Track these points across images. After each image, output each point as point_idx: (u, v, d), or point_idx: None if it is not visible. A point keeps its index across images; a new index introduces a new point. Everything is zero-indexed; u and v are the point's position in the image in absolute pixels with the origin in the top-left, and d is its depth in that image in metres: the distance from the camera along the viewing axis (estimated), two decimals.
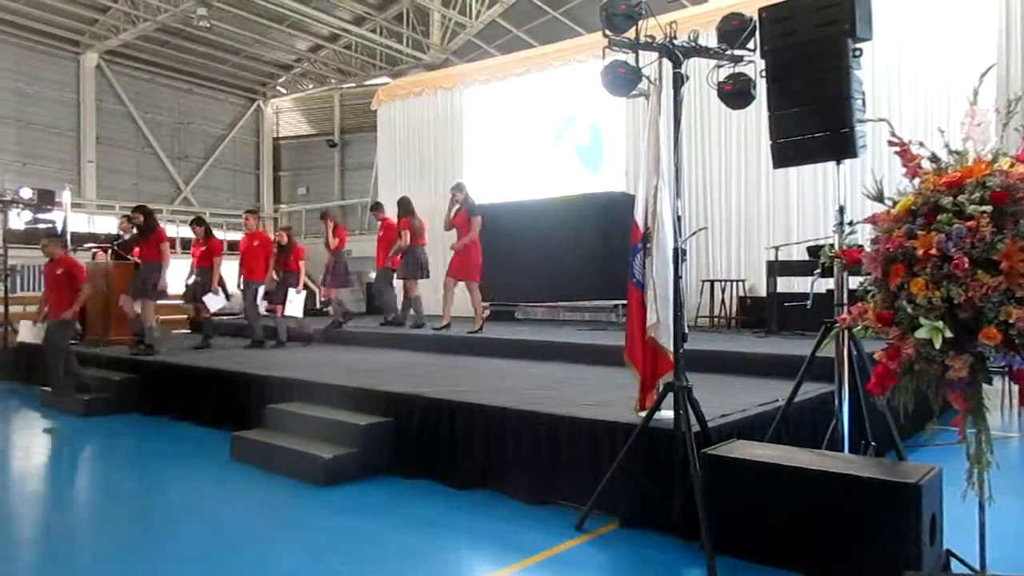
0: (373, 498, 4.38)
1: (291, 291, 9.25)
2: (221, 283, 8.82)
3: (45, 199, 10.54)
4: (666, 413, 3.67)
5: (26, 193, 10.24)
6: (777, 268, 8.49)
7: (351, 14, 16.79)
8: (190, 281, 9.17)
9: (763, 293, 9.24)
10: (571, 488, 4.05)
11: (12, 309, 9.79)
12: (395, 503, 4.30)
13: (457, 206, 9.14)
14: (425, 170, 14.29)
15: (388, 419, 4.97)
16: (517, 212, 11.56)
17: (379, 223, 10.54)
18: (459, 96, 13.85)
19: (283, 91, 21.19)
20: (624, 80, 3.78)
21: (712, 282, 9.98)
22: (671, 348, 3.74)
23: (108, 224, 16.21)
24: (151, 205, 17.20)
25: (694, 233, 9.92)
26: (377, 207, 10.76)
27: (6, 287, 10.15)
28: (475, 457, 4.53)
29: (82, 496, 5.08)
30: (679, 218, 3.73)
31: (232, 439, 5.37)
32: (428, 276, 10.09)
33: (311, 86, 20.71)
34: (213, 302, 8.79)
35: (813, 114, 3.80)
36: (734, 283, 9.94)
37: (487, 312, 10.12)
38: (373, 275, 15.20)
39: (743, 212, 10.42)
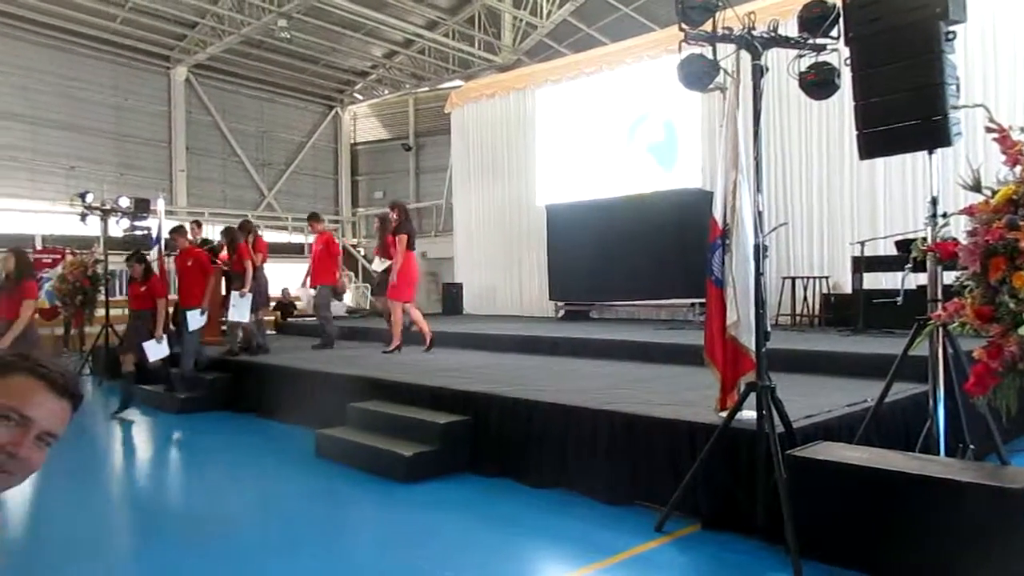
0: (452, 495, 4.44)
1: (234, 294, 8.35)
2: (166, 328, 7.57)
3: (141, 207, 11.09)
4: (748, 413, 3.59)
5: (124, 202, 10.80)
6: (863, 263, 8.16)
7: (424, 19, 17.07)
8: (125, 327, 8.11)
9: (848, 290, 8.90)
10: (651, 489, 4.00)
11: (112, 312, 10.36)
12: (473, 501, 4.35)
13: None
14: (498, 171, 14.40)
15: (466, 418, 5.03)
16: (591, 211, 11.52)
17: (315, 236, 9.56)
18: (531, 97, 13.89)
19: (360, 97, 21.72)
20: (701, 74, 3.71)
21: (794, 279, 9.67)
22: (752, 347, 3.65)
23: (204, 232, 16.94)
24: (236, 211, 18.10)
25: (775, 228, 9.62)
26: (314, 218, 9.78)
27: (107, 290, 10.77)
28: (552, 456, 4.53)
29: (175, 489, 5.34)
30: (759, 213, 3.64)
31: (317, 436, 5.54)
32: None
33: (386, 92, 21.15)
34: (154, 351, 7.43)
35: (903, 102, 3.63)
36: (817, 280, 9.60)
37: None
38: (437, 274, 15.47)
39: (826, 206, 10.06)
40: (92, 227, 11.00)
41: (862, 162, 6.86)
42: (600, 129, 12.69)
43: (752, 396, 3.56)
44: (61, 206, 14.72)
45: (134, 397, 7.53)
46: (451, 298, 14.36)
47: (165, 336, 7.48)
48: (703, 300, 4.22)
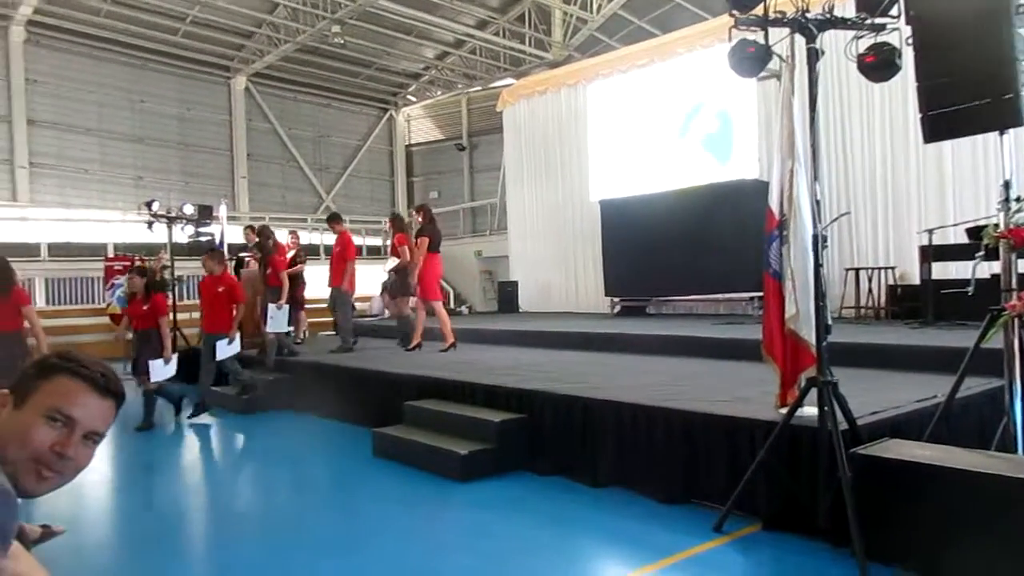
0: (507, 494, 4.43)
1: (271, 306, 8.32)
2: (173, 347, 7.38)
3: (204, 214, 11.45)
4: (809, 410, 3.47)
5: (188, 209, 11.16)
6: (932, 252, 7.82)
7: (474, 19, 17.13)
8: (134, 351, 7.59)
9: (916, 280, 8.55)
10: (709, 488, 3.92)
11: (179, 316, 10.72)
12: (529, 499, 4.33)
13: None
14: (551, 168, 14.36)
15: (522, 416, 5.02)
16: (645, 206, 11.38)
17: (336, 236, 9.27)
18: (582, 92, 13.80)
19: (413, 99, 21.95)
20: (753, 60, 3.59)
21: (858, 270, 9.33)
22: (813, 341, 3.53)
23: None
24: (296, 215, 18.52)
25: (836, 219, 9.31)
26: (334, 219, 9.45)
27: (174, 295, 11.14)
28: (608, 455, 4.48)
29: (239, 486, 5.48)
30: (818, 202, 3.52)
31: (374, 435, 5.61)
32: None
33: (439, 92, 21.32)
34: (161, 371, 7.11)
35: (970, 81, 3.44)
36: (882, 271, 9.25)
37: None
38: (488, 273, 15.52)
39: (890, 193, 9.69)
40: (159, 234, 11.40)
41: (928, 146, 6.58)
42: (653, 122, 12.52)
43: (813, 392, 3.44)
44: (131, 215, 15.30)
45: (182, 399, 7.56)
46: (506, 296, 14.40)
47: (175, 355, 7.24)
48: (761, 294, 4.10)
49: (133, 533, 4.20)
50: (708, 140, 11.91)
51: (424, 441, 5.14)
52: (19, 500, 1.30)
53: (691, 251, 10.37)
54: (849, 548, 3.07)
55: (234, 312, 7.54)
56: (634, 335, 8.09)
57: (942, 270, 7.97)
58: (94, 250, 14.81)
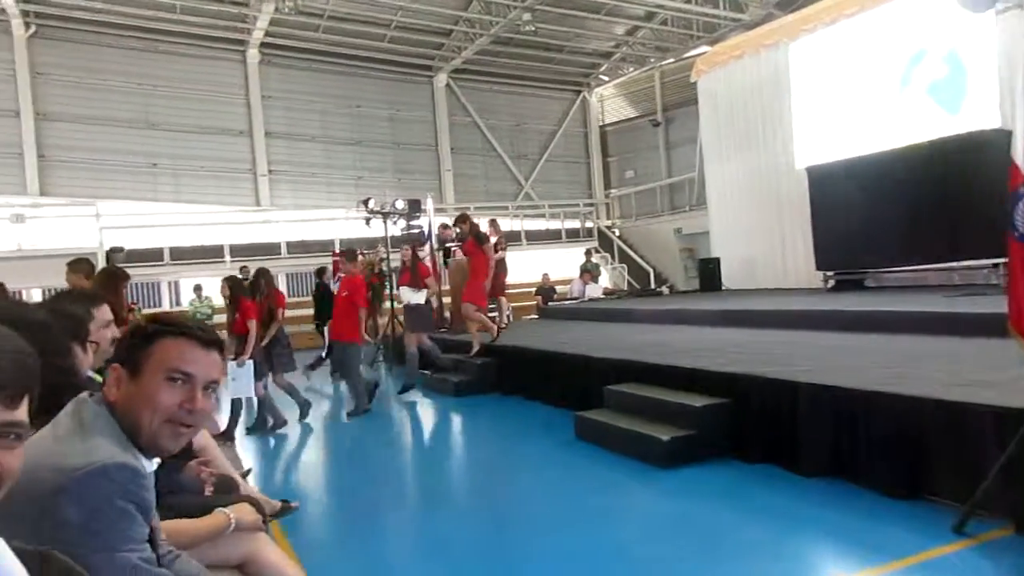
0: (711, 482, 4.28)
1: (231, 364, 6.29)
2: (268, 354, 6.77)
3: (414, 208, 12.27)
4: None
5: (399, 204, 12.02)
6: None
7: None
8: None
9: None
10: (945, 483, 3.51)
11: (397, 304, 11.58)
12: (734, 488, 4.15)
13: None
14: (752, 136, 13.57)
15: (726, 401, 4.81)
16: (860, 168, 10.40)
17: (340, 277, 8.07)
18: (783, 52, 12.85)
19: (605, 78, 21.80)
20: None
21: None
22: None
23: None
24: (497, 203, 19.21)
25: None
26: (348, 256, 7.86)
27: (390, 285, 12.04)
28: (824, 443, 4.15)
29: (449, 465, 5.81)
30: None
31: (576, 418, 5.67)
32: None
33: (631, 69, 20.97)
34: (237, 386, 6.36)
35: None
36: None
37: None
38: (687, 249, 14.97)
39: None
40: (376, 229, 12.38)
41: None
42: (867, 76, 11.35)
43: None
44: (352, 212, 16.76)
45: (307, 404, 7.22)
46: (708, 274, 13.88)
47: (250, 361, 6.43)
48: (1005, 260, 3.58)
49: (355, 507, 4.61)
50: (935, 88, 10.58)
51: (625, 426, 5.11)
52: (157, 461, 1.44)
53: (917, 215, 9.32)
54: None
55: (358, 317, 7.22)
56: (851, 312, 7.43)
57: None
58: (323, 246, 16.45)
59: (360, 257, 12.68)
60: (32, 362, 0.91)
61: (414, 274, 8.24)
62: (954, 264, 9.51)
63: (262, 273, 7.33)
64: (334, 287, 10.47)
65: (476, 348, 8.46)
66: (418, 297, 8.16)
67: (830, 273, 11.31)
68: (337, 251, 15.46)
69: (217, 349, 1.47)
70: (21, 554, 0.84)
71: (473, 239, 8.63)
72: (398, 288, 8.46)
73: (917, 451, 3.64)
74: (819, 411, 4.21)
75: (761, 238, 13.27)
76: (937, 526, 3.25)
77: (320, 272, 11.93)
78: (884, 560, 3.02)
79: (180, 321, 1.49)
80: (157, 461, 1.46)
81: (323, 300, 11.07)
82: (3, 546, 0.77)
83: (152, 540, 1.39)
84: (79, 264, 5.65)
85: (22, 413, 0.90)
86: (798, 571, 3.19)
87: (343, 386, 8.09)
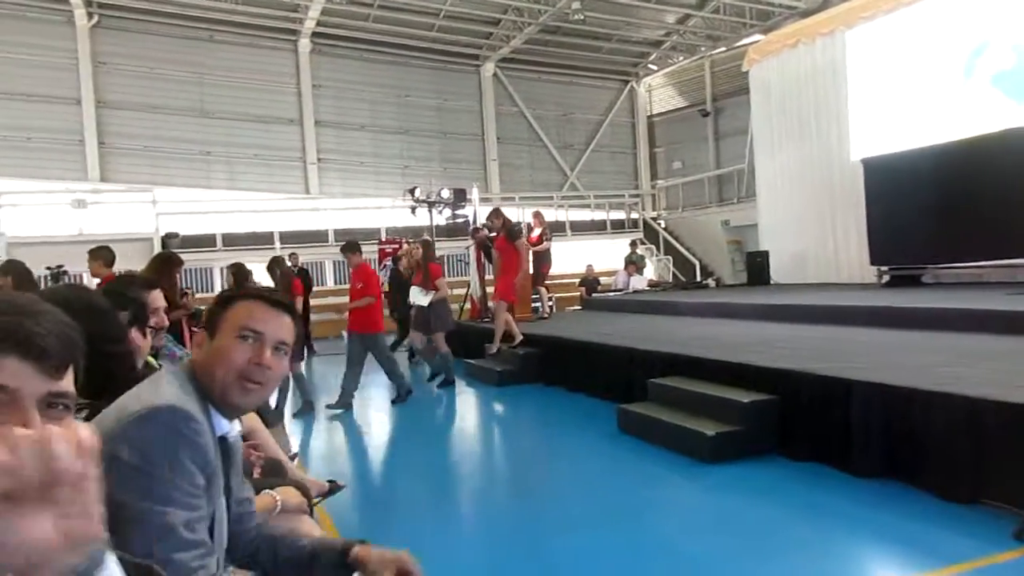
0: (757, 479, 4.21)
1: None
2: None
3: (459, 197, 12.32)
4: None
5: (445, 193, 12.08)
6: None
7: None
8: None
9: None
10: (1004, 488, 3.38)
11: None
12: (781, 486, 4.08)
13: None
14: (805, 127, 13.25)
15: (773, 397, 4.73)
16: (919, 161, 10.08)
17: (353, 269, 7.59)
18: (840, 40, 12.50)
19: (654, 68, 21.48)
20: None
21: None
22: None
23: (512, 214, 18.27)
24: (542, 194, 19.17)
25: None
26: (351, 248, 7.50)
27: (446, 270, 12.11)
28: (875, 442, 4.05)
29: (494, 456, 5.84)
30: None
31: (619, 411, 5.64)
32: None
33: (681, 58, 20.63)
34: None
35: None
36: None
37: None
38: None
39: None
40: (422, 218, 12.47)
41: None
42: (927, 66, 10.97)
43: None
44: (398, 201, 16.91)
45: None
46: (756, 267, 13.64)
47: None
48: None
49: (397, 494, 4.66)
50: (1000, 79, 10.18)
51: (669, 420, 5.06)
52: (238, 426, 1.54)
53: (978, 209, 9.00)
54: None
55: (374, 306, 7.18)
56: (907, 308, 7.21)
57: None
58: (369, 235, 16.64)
59: (406, 246, 12.83)
60: (76, 336, 0.94)
61: (425, 274, 8.03)
62: (1016, 261, 9.17)
63: (277, 262, 7.56)
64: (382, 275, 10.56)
65: (519, 338, 8.45)
66: (426, 299, 7.90)
67: (885, 268, 11.01)
68: (382, 239, 15.70)
69: (287, 312, 1.55)
70: (126, 566, 0.87)
71: (505, 234, 8.53)
72: (412, 286, 8.21)
73: (976, 454, 3.53)
74: (873, 410, 4.10)
75: (812, 231, 12.97)
76: (996, 532, 3.14)
77: (396, 260, 12.01)
78: (939, 565, 2.94)
79: (255, 287, 1.67)
80: (238, 426, 1.54)
81: (399, 287, 11.15)
82: (112, 560, 0.80)
83: (228, 492, 1.47)
84: (98, 252, 5.99)
85: (68, 384, 0.93)
86: (849, 571, 3.12)
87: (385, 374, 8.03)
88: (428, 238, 9.38)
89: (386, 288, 13.02)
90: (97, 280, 6.25)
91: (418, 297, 7.99)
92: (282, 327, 1.52)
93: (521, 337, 8.48)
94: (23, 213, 14.40)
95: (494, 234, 9.18)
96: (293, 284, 7.65)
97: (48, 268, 9.08)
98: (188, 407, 1.34)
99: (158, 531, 1.22)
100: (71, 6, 15.07)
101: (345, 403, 7.20)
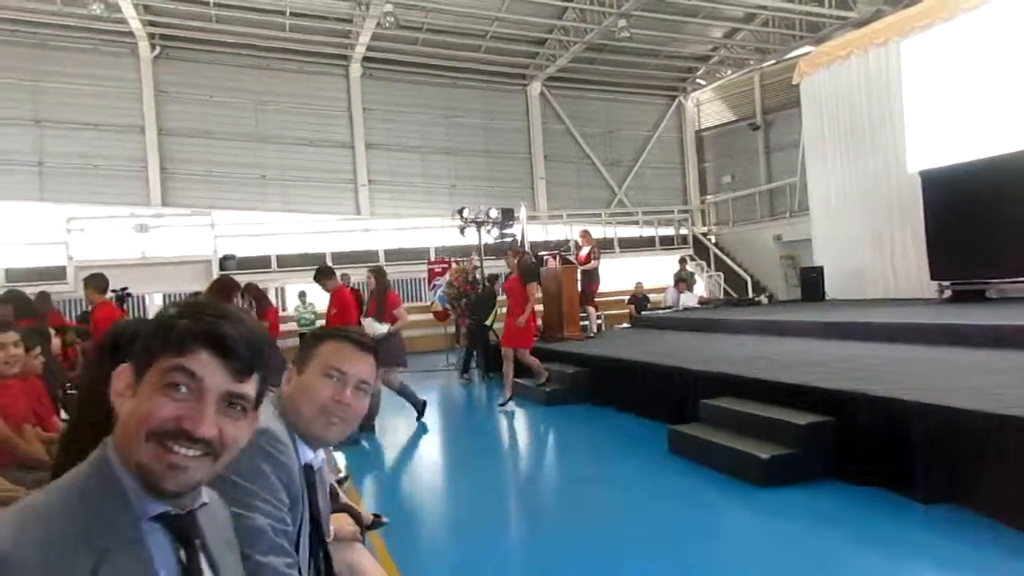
0: (815, 504, 4.10)
1: None
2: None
3: (507, 216, 12.38)
4: None
5: (493, 213, 12.16)
6: None
7: None
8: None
9: None
10: None
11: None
12: (841, 512, 3.96)
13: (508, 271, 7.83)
14: (858, 140, 12.96)
15: (830, 419, 4.61)
16: (981, 172, 9.78)
17: (329, 294, 7.26)
18: (894, 50, 12.21)
19: (702, 83, 21.32)
20: None
21: None
22: None
23: (559, 232, 18.33)
24: (590, 211, 19.14)
25: None
26: (324, 274, 7.30)
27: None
28: (940, 467, 3.91)
29: (542, 479, 5.79)
30: None
31: (670, 432, 5.56)
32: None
33: (729, 72, 20.43)
34: None
35: None
36: None
37: None
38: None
39: None
40: (470, 237, 12.56)
41: None
42: (987, 75, 10.63)
43: None
44: (447, 221, 17.08)
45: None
46: (810, 283, 13.34)
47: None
48: None
49: (448, 516, 4.67)
50: None
51: (721, 442, 4.97)
52: (323, 455, 1.63)
53: None
54: None
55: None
56: (970, 325, 6.95)
57: None
58: (419, 254, 16.83)
59: (455, 265, 12.93)
60: (266, 348, 1.04)
61: (380, 304, 7.39)
62: None
63: (248, 288, 7.24)
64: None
65: (543, 376, 8.28)
66: (382, 329, 7.17)
67: (946, 283, 10.66)
68: (431, 259, 15.85)
69: (372, 353, 1.64)
70: None
71: (519, 274, 8.15)
72: (366, 317, 7.49)
73: None
74: (937, 433, 3.96)
75: (868, 245, 12.64)
76: None
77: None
78: None
79: (345, 329, 1.70)
80: (322, 454, 1.63)
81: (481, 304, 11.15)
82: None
83: (315, 518, 1.56)
84: (92, 279, 6.13)
85: (250, 388, 1.02)
86: None
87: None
88: (380, 264, 8.79)
89: (439, 307, 13.14)
90: (91, 306, 6.39)
91: (374, 327, 7.14)
92: (365, 367, 1.61)
93: (547, 374, 8.31)
94: (90, 238, 14.99)
95: (509, 271, 8.75)
96: (267, 313, 7.60)
97: (113, 291, 9.44)
98: (275, 429, 1.46)
99: (248, 534, 1.31)
100: (135, 39, 15.73)
101: (420, 406, 7.43)
